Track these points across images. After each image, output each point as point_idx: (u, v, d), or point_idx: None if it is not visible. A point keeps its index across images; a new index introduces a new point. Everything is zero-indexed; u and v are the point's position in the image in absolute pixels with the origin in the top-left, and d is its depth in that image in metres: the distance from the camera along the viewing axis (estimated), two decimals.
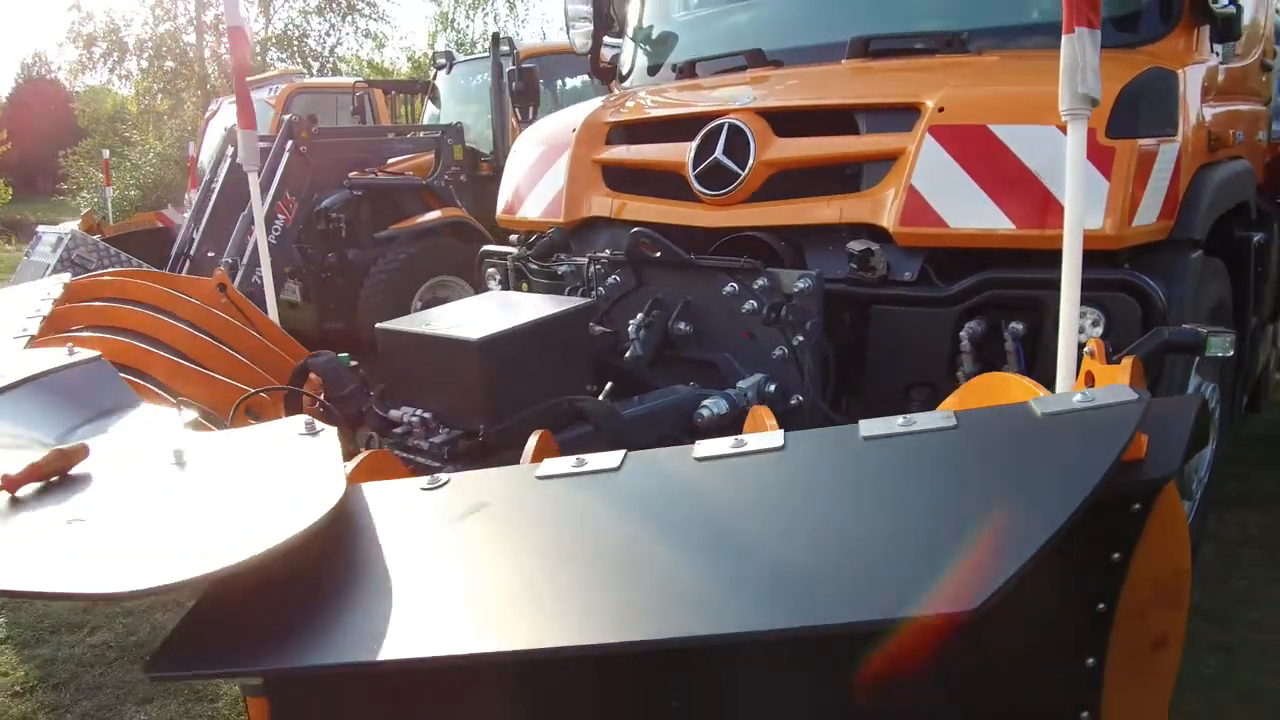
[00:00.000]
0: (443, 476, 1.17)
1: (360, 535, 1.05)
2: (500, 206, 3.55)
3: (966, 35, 2.85)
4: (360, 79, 11.96)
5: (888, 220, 2.48)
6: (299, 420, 1.25)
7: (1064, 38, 1.83)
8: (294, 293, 7.14)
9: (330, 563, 1.02)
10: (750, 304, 2.51)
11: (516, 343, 2.01)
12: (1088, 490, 0.93)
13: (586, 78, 8.34)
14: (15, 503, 1.08)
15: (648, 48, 3.87)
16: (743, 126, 2.75)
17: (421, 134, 8.18)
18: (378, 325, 2.26)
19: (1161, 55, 2.67)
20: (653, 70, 3.83)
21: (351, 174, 7.09)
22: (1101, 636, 1.56)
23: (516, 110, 7.37)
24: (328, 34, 23.00)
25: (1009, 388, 1.32)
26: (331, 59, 22.78)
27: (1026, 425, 1.06)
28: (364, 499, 1.07)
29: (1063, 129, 2.10)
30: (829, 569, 0.98)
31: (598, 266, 2.86)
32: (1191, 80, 2.69)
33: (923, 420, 1.10)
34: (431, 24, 28.35)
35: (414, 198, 7.46)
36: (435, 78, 8.92)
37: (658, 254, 2.66)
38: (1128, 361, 1.20)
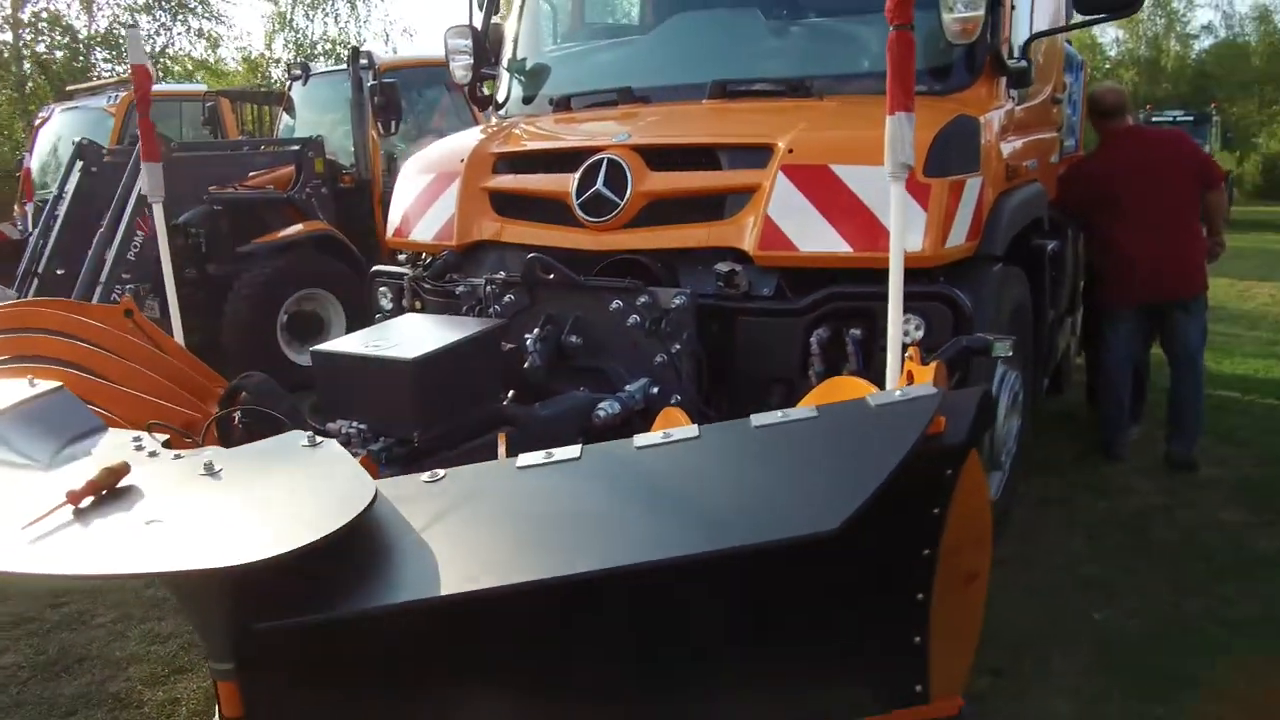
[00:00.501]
0: (440, 472, 1.48)
1: (388, 517, 1.35)
2: (390, 229, 3.78)
3: (811, 82, 3.32)
4: (211, 89, 11.63)
5: (748, 245, 2.90)
6: (298, 435, 1.51)
7: (888, 118, 2.27)
8: (154, 309, 7.02)
9: (367, 539, 1.31)
10: (634, 318, 2.89)
11: (444, 360, 2.30)
12: (905, 451, 1.34)
13: (444, 89, 8.53)
14: (81, 513, 1.30)
15: (522, 79, 4.18)
16: (620, 161, 3.11)
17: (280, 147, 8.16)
18: (314, 348, 2.49)
19: (968, 101, 3.20)
20: (527, 100, 4.14)
21: (211, 188, 7.04)
22: (928, 576, 2.02)
23: (379, 124, 7.52)
24: (157, 33, 21.93)
25: (853, 387, 1.74)
26: (162, 60, 21.73)
27: (864, 413, 1.48)
28: (382, 492, 1.36)
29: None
30: (735, 513, 1.36)
31: (493, 287, 3.15)
32: (992, 123, 3.25)
33: (795, 413, 1.50)
34: (269, 24, 27.43)
35: (275, 211, 7.47)
36: (290, 89, 8.87)
37: (551, 276, 2.99)
38: (934, 365, 1.63)
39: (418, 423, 2.24)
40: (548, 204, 3.33)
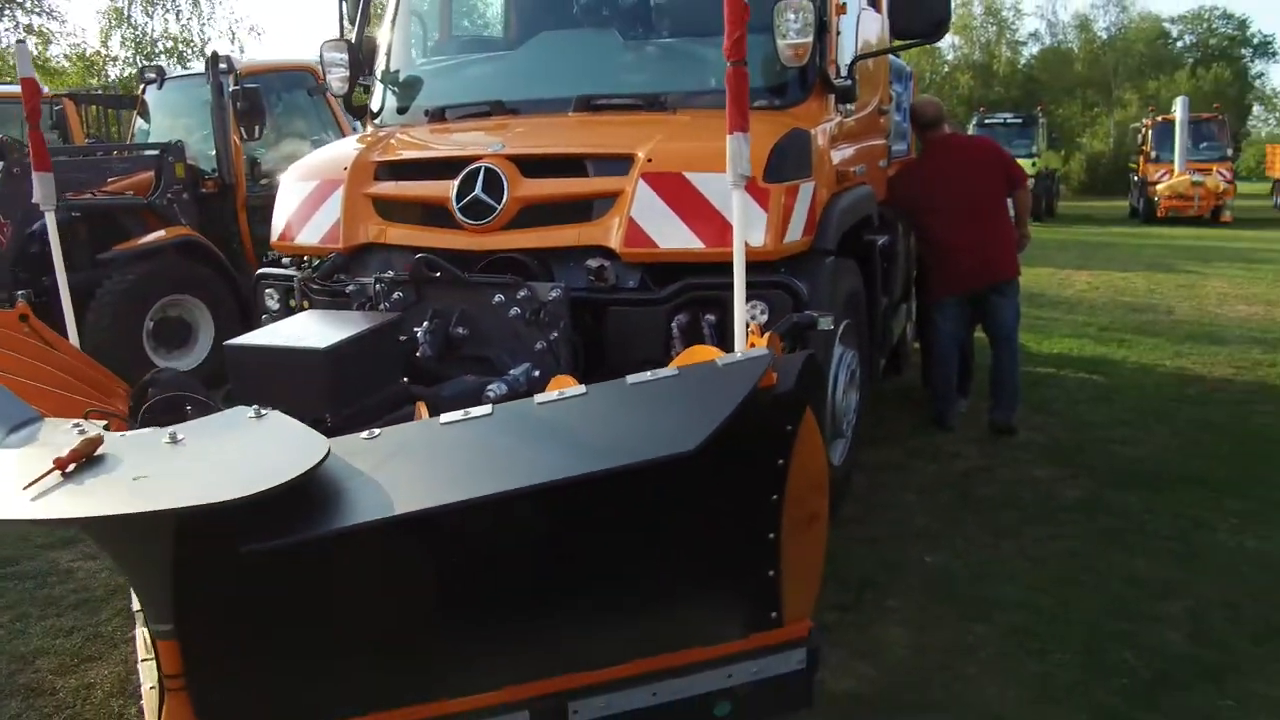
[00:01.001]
0: (376, 431, 1.77)
1: (337, 464, 1.63)
2: (275, 234, 3.94)
3: (665, 97, 3.70)
4: (56, 91, 11.14)
5: (615, 243, 3.26)
6: (245, 409, 1.76)
7: (728, 136, 2.65)
8: None
9: (322, 486, 1.59)
10: (514, 310, 3.20)
11: (350, 349, 2.55)
12: (745, 393, 1.74)
13: (304, 94, 8.57)
14: (69, 476, 1.51)
15: (396, 91, 4.41)
16: (496, 169, 3.41)
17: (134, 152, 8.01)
18: (228, 343, 2.69)
19: (801, 115, 3.65)
20: (401, 110, 4.37)
21: (68, 194, 6.89)
22: (776, 517, 2.44)
23: (241, 129, 7.51)
24: None
25: (708, 353, 2.12)
26: None
27: (713, 370, 1.86)
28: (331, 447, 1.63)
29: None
30: (613, 445, 1.72)
31: (381, 285, 3.40)
32: (823, 134, 3.71)
33: (660, 373, 1.87)
34: (104, 20, 26.11)
35: (135, 218, 7.36)
36: (144, 92, 8.70)
37: (438, 274, 3.27)
38: (769, 335, 2.02)
39: (329, 406, 2.48)
40: (428, 209, 3.60)
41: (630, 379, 1.88)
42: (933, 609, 3.41)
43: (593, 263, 3.26)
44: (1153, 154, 22.45)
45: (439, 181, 3.56)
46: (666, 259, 3.24)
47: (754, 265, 3.19)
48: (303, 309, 3.78)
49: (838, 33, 3.81)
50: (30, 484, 1.46)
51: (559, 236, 3.37)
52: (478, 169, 3.44)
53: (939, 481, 4.74)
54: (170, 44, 24.65)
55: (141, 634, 2.62)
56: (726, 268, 3.16)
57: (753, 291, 3.15)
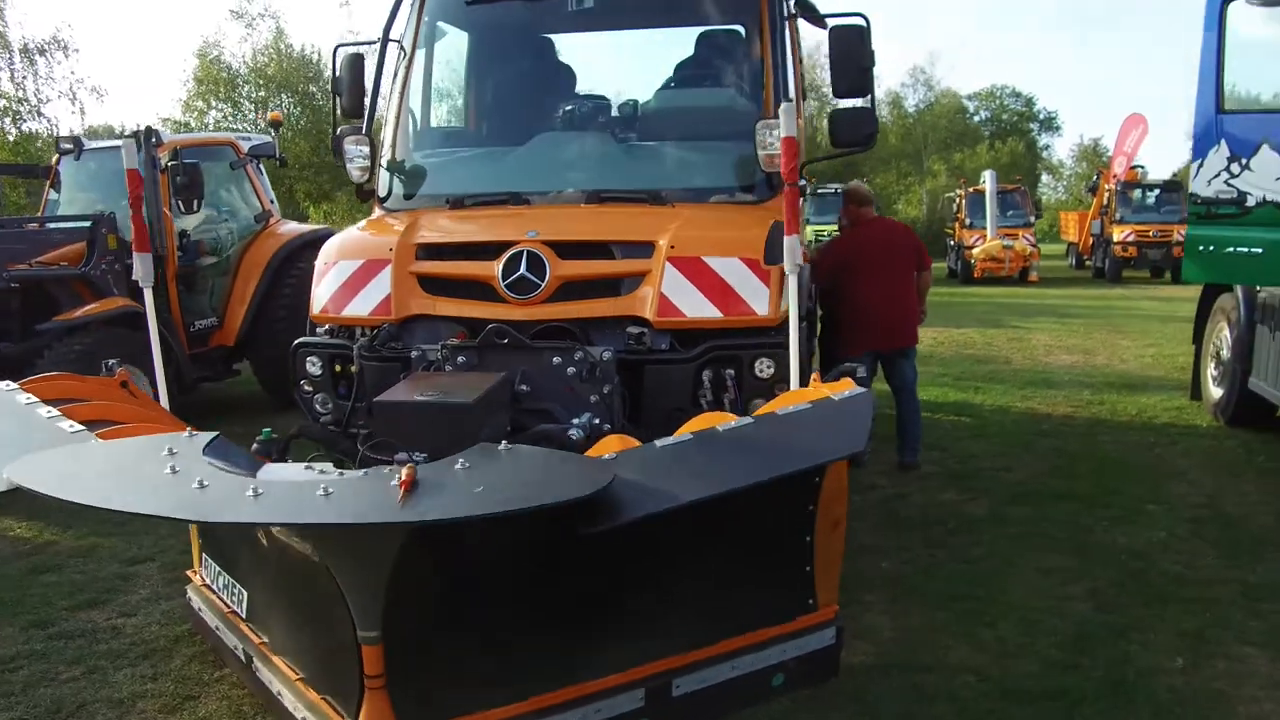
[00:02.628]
0: (608, 455, 2.42)
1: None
2: (317, 307, 4.40)
3: (662, 193, 4.48)
4: None
5: (649, 313, 3.98)
6: (491, 445, 2.37)
7: (785, 237, 3.46)
8: None
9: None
10: (571, 369, 3.85)
11: (486, 401, 3.14)
12: (869, 418, 2.50)
13: (226, 166, 8.85)
14: (413, 493, 2.08)
15: (404, 178, 4.99)
16: (538, 253, 4.08)
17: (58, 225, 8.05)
18: (378, 400, 3.21)
19: (772, 209, 4.50)
20: (409, 196, 4.96)
21: (5, 265, 6.94)
22: (811, 525, 3.23)
23: (179, 202, 7.75)
24: None
25: (816, 392, 2.88)
26: None
27: (835, 403, 2.63)
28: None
29: (744, 260, 3.85)
30: (792, 453, 2.45)
31: (446, 350, 3.97)
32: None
33: (792, 407, 2.62)
34: None
35: (66, 289, 7.44)
36: (58, 163, 8.72)
37: (505, 340, 3.89)
38: (844, 380, 2.81)
39: (470, 441, 3.07)
40: (474, 285, 4.21)
41: (779, 411, 2.61)
42: (901, 601, 4.24)
43: (634, 329, 3.97)
44: (967, 221, 25.17)
45: (483, 262, 4.18)
46: (691, 325, 3.99)
47: (756, 330, 4.02)
48: (349, 373, 4.30)
49: None
50: (401, 498, 2.03)
51: (599, 308, 4.06)
52: (521, 252, 4.10)
53: (867, 508, 5.62)
54: (3, 104, 23.36)
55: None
56: (738, 331, 3.98)
57: (761, 351, 3.96)
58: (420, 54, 5.14)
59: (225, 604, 3.66)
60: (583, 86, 5.32)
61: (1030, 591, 4.32)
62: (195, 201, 7.79)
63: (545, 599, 2.90)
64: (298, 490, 2.27)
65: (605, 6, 4.98)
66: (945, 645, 3.81)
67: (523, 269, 4.07)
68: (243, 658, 3.45)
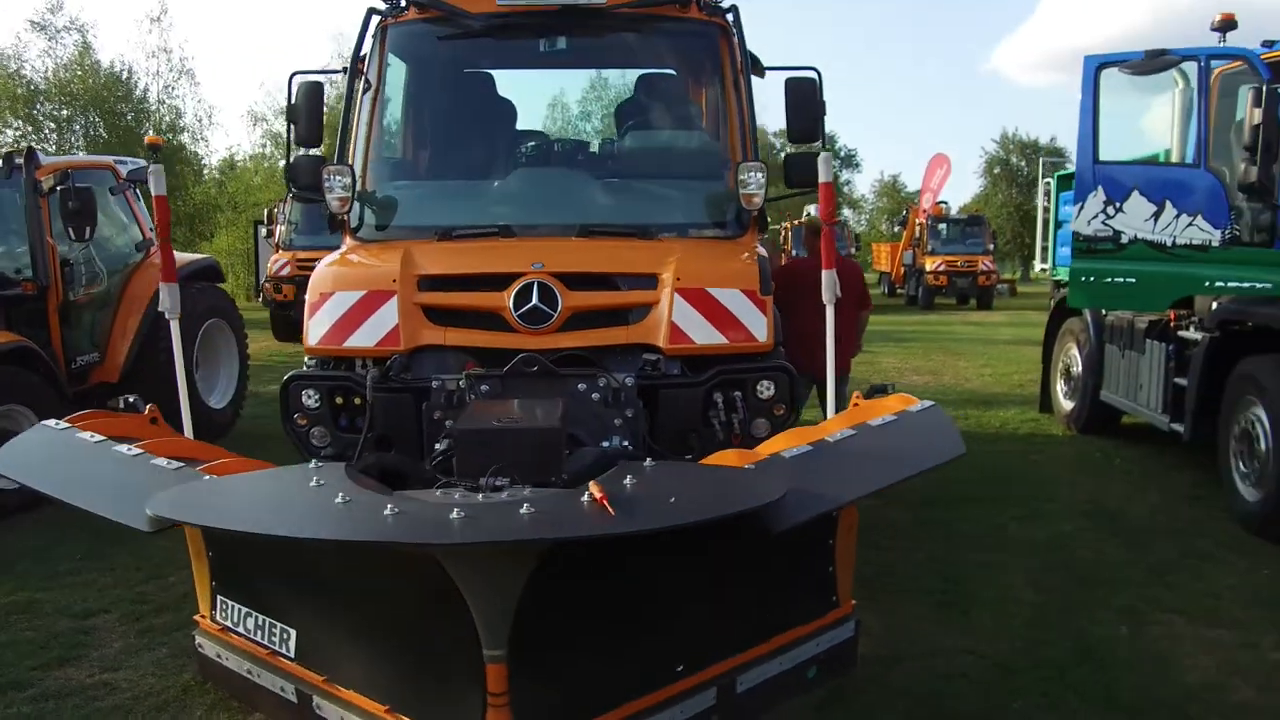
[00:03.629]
0: (749, 465, 2.67)
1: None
2: (314, 339, 4.35)
3: (652, 228, 4.76)
4: None
5: (661, 341, 4.24)
6: (636, 463, 2.56)
7: (824, 271, 3.82)
8: None
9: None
10: (595, 395, 4.06)
11: (564, 424, 3.33)
12: (950, 424, 2.89)
13: (106, 191, 8.34)
14: (618, 507, 2.24)
15: (379, 209, 5.01)
16: (549, 285, 4.26)
17: None
18: (459, 427, 3.28)
19: (748, 243, 4.88)
20: (384, 227, 4.99)
21: None
22: (834, 529, 3.54)
23: (70, 229, 7.27)
24: None
25: (889, 404, 3.23)
26: None
27: (916, 413, 3.00)
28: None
29: (743, 291, 4.20)
30: (907, 458, 2.79)
31: (468, 380, 4.07)
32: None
33: (888, 417, 2.97)
34: None
35: None
36: None
37: (535, 368, 4.04)
38: (898, 395, 3.19)
39: (557, 469, 3.20)
40: (483, 315, 4.32)
41: (873, 422, 2.95)
42: (878, 600, 4.67)
43: (649, 356, 4.22)
44: (793, 253, 26.80)
45: (491, 293, 4.31)
46: (699, 352, 4.28)
47: (755, 355, 4.38)
48: (351, 405, 4.30)
49: None
50: (603, 511, 2.21)
51: (611, 336, 4.28)
52: (531, 283, 4.26)
53: None
54: None
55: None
56: (739, 356, 4.32)
57: (762, 374, 4.32)
58: (387, 87, 5.19)
59: (261, 646, 3.54)
60: (547, 123, 5.53)
61: (980, 583, 4.88)
62: (88, 229, 7.32)
63: (640, 609, 3.09)
64: (496, 510, 2.40)
65: (575, 48, 5.23)
66: (934, 633, 4.27)
67: (535, 300, 4.24)
68: (294, 699, 3.36)
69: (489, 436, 3.25)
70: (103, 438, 3.12)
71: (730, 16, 5.13)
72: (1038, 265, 10.90)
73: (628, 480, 2.46)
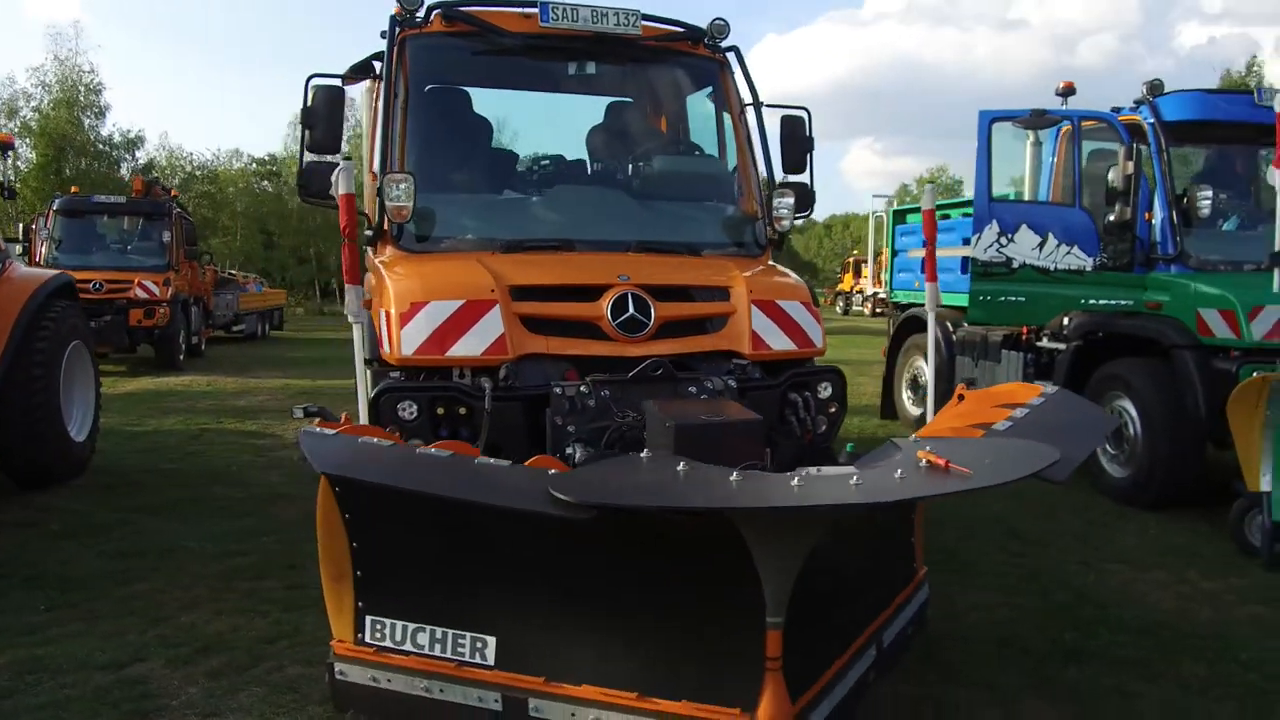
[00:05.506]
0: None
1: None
2: (410, 349, 4.32)
3: (699, 245, 5.18)
4: None
5: (745, 347, 4.68)
6: (893, 448, 2.99)
7: (927, 284, 4.41)
8: None
9: None
10: (704, 396, 4.41)
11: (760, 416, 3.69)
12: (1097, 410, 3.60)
13: None
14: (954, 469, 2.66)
15: (433, 221, 5.00)
16: (642, 296, 4.56)
17: None
18: (679, 423, 3.49)
19: (763, 261, 5.43)
20: (425, 238, 4.99)
21: None
22: (915, 507, 4.16)
23: None
24: None
25: (1022, 394, 3.86)
26: None
27: (1054, 399, 3.66)
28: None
29: (803, 303, 4.76)
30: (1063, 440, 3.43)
31: (588, 387, 4.27)
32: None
33: (1033, 402, 3.61)
34: None
35: None
36: None
37: (659, 372, 4.31)
38: (1026, 384, 3.87)
39: (760, 456, 3.55)
40: (580, 325, 4.53)
41: (1017, 411, 3.59)
42: None
43: (739, 361, 4.64)
44: None
45: (586, 303, 4.53)
46: (775, 357, 4.78)
47: (809, 359, 4.94)
48: (455, 415, 4.33)
49: None
50: (964, 472, 2.67)
51: (699, 343, 4.66)
52: (625, 294, 4.54)
53: None
54: None
55: None
56: (803, 361, 4.86)
57: (820, 376, 4.88)
58: (417, 100, 5.20)
59: (444, 660, 3.49)
60: (563, 147, 5.79)
61: (946, 560, 5.70)
62: None
63: (836, 578, 3.52)
64: (829, 481, 2.75)
65: (603, 73, 5.55)
66: (957, 593, 4.99)
67: (631, 310, 4.52)
68: (498, 706, 3.34)
69: (706, 429, 3.55)
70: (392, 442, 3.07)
71: (733, 55, 5.68)
72: (869, 289, 12.27)
73: (923, 451, 2.91)
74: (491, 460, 3.05)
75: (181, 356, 16.35)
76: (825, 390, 4.88)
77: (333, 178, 3.98)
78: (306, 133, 5.01)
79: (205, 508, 6.59)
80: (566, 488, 2.59)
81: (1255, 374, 5.52)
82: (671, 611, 3.19)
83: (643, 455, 3.07)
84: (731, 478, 2.66)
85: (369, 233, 5.01)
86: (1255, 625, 4.57)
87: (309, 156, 5.07)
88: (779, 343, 4.78)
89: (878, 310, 28.57)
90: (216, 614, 4.65)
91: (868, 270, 29.09)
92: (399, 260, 4.83)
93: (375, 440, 3.13)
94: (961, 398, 4.22)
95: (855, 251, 42.31)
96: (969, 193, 8.04)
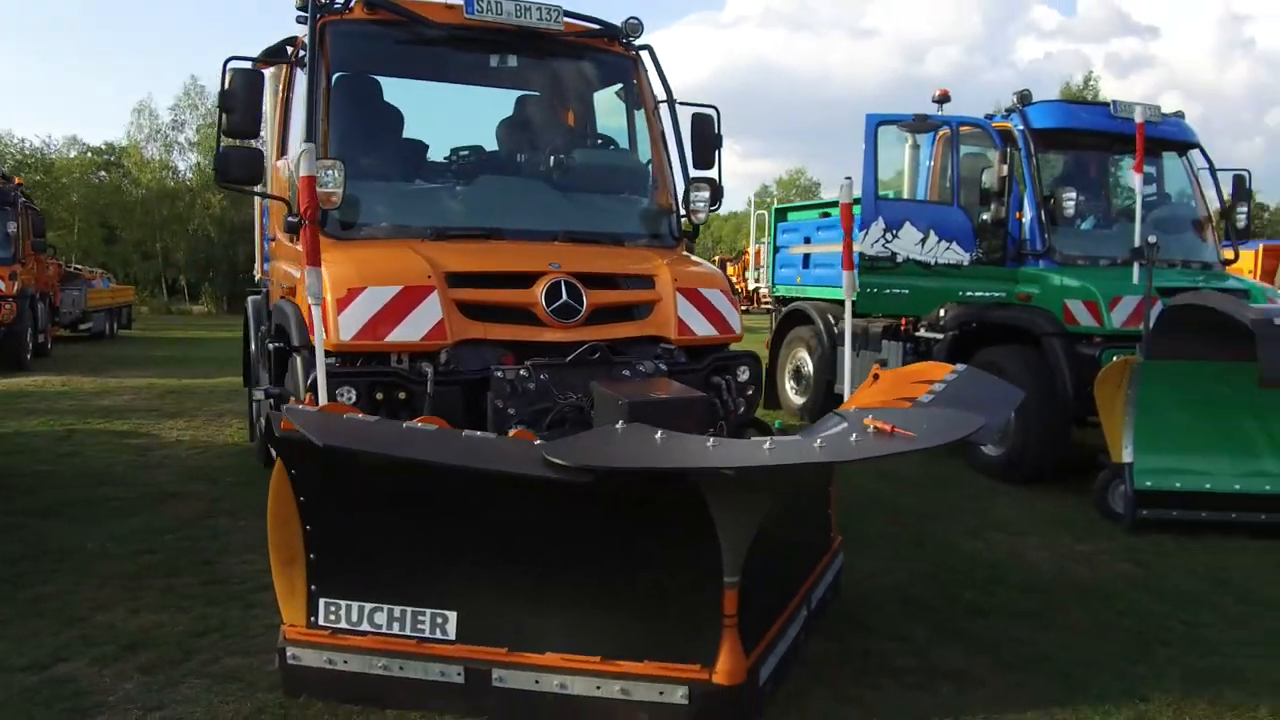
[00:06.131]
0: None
1: None
2: (348, 334, 4.32)
3: (620, 236, 5.36)
4: None
5: (672, 333, 4.89)
6: (835, 417, 3.27)
7: (844, 272, 4.70)
8: None
9: None
10: (635, 380, 4.59)
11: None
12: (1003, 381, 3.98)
13: None
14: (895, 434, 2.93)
15: (360, 209, 4.98)
16: (575, 283, 4.71)
17: None
18: (633, 400, 3.61)
19: (680, 251, 5.66)
20: (351, 225, 4.97)
21: None
22: (832, 474, 4.55)
23: None
24: None
25: (935, 371, 4.19)
26: None
27: (966, 375, 4.02)
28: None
29: (722, 291, 5.02)
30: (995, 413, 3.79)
31: (527, 370, 4.38)
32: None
33: (948, 377, 3.96)
34: None
35: None
36: None
37: (596, 355, 4.45)
38: (933, 364, 4.22)
39: (707, 431, 3.74)
40: (514, 310, 4.63)
41: (948, 376, 3.93)
42: None
43: (666, 346, 4.84)
44: None
45: (520, 290, 4.64)
46: (699, 342, 5.01)
47: (726, 345, 5.22)
48: (394, 400, 4.36)
49: None
50: (907, 435, 2.95)
51: (627, 329, 4.84)
52: (559, 281, 4.68)
53: None
54: None
55: None
56: (723, 346, 5.13)
57: (739, 361, 5.15)
58: (339, 88, 5.17)
59: (402, 638, 3.51)
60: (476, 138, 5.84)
61: (854, 526, 6.10)
62: None
63: (780, 540, 3.77)
64: (795, 445, 2.98)
65: (522, 67, 5.64)
66: (857, 560, 5.35)
67: (565, 297, 4.66)
68: (460, 679, 3.42)
69: (658, 406, 3.74)
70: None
71: (646, 53, 5.89)
72: (752, 284, 12.74)
73: (869, 419, 3.19)
74: (479, 433, 3.14)
75: (29, 356, 15.27)
76: (744, 374, 5.14)
77: (292, 160, 3.94)
78: (224, 117, 4.90)
79: (97, 509, 6.29)
80: (562, 453, 2.72)
81: (1116, 358, 6.14)
82: (631, 577, 3.36)
83: (616, 427, 3.22)
84: (709, 443, 2.86)
85: (292, 219, 4.94)
86: (1126, 580, 5.11)
87: (226, 141, 4.96)
88: (702, 328, 5.01)
89: (763, 305, 29.45)
90: (134, 612, 4.49)
91: (735, 269, 30.13)
92: (328, 247, 4.78)
93: (361, 416, 3.17)
94: (877, 377, 4.56)
95: (719, 251, 43.61)
96: (827, 193, 8.57)
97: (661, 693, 3.30)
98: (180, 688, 3.74)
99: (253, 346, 7.11)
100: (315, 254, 3.76)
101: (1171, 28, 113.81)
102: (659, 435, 2.94)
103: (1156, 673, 3.89)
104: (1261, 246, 15.36)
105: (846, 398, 4.70)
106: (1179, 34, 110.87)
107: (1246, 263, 13.80)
